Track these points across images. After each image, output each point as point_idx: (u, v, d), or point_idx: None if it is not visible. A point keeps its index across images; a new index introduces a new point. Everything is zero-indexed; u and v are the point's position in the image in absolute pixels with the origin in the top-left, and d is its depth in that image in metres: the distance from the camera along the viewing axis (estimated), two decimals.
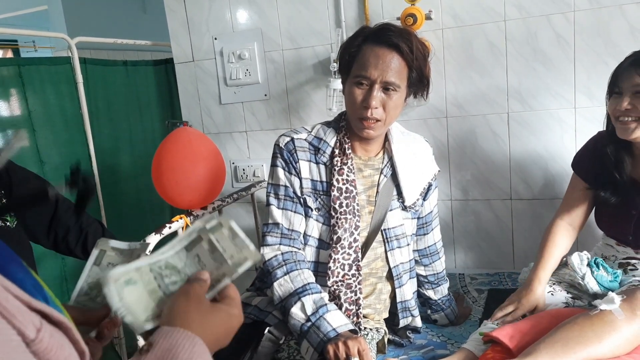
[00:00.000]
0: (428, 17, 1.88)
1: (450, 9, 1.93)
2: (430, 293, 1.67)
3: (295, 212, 1.44)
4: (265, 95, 2.27)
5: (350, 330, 1.28)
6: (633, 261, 1.43)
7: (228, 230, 0.68)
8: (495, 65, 1.93)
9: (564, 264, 1.53)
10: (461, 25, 1.93)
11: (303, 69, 2.18)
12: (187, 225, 1.80)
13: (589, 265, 1.45)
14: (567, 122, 1.88)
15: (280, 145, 1.46)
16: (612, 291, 1.31)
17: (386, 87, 1.34)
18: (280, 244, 1.41)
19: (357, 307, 1.42)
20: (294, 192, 1.44)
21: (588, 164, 1.54)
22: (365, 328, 1.47)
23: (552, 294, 1.49)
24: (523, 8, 1.85)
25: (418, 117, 2.06)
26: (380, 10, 2.00)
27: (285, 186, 1.44)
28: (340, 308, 1.37)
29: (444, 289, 1.68)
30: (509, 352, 1.28)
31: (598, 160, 1.50)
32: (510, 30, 1.88)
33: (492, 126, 1.98)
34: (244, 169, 2.38)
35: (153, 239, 1.61)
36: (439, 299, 1.67)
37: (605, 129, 1.49)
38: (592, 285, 1.42)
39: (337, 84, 1.94)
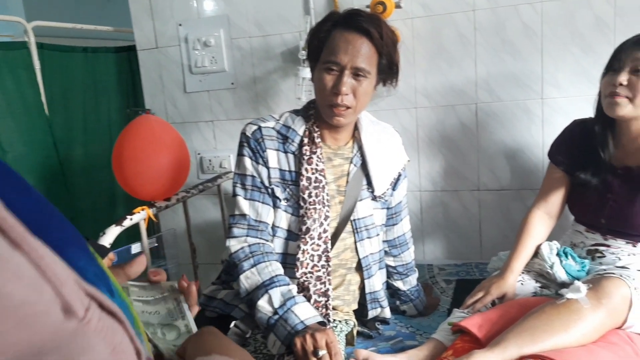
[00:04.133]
0: (397, 6, 1.85)
1: None
2: (399, 284, 1.66)
3: (263, 202, 1.40)
4: (232, 83, 2.21)
5: (319, 323, 1.25)
6: (601, 248, 1.45)
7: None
8: (464, 56, 1.92)
9: (534, 253, 1.54)
10: (431, 15, 1.92)
11: (271, 57, 2.13)
12: (149, 218, 1.73)
13: (558, 254, 1.46)
14: (535, 113, 1.89)
15: (247, 133, 1.41)
16: (579, 280, 1.32)
17: (356, 73, 1.31)
18: (247, 236, 1.37)
19: (326, 299, 1.39)
20: (262, 182, 1.40)
21: (565, 151, 1.54)
22: (334, 320, 1.45)
23: (522, 284, 1.50)
24: None
25: (388, 108, 2.04)
26: None
27: (253, 176, 1.40)
28: (309, 300, 1.34)
29: (412, 279, 1.67)
30: (478, 341, 1.28)
31: (576, 147, 1.51)
32: (479, 20, 1.87)
33: (460, 117, 1.98)
34: (210, 160, 2.32)
35: (114, 231, 1.55)
36: (407, 290, 1.66)
37: (595, 108, 1.50)
38: (561, 275, 1.43)
39: (307, 72, 1.90)
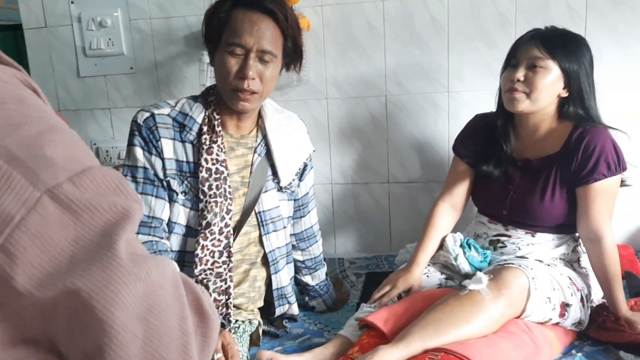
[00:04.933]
0: None
1: None
2: (307, 279, 1.61)
3: (156, 196, 1.28)
4: (131, 68, 2.05)
5: None
6: (503, 238, 1.48)
7: None
8: (373, 47, 1.90)
9: (440, 245, 1.55)
10: (340, 3, 1.87)
11: (174, 40, 2.00)
12: None
13: (461, 246, 1.47)
14: (441, 106, 1.91)
15: (138, 121, 1.29)
16: (482, 271, 1.33)
17: (262, 57, 1.24)
18: (138, 234, 1.25)
19: (227, 297, 1.30)
20: (155, 175, 1.28)
21: (469, 144, 1.56)
22: (236, 321, 1.36)
23: (427, 276, 1.50)
24: None
25: (298, 98, 1.97)
26: None
27: (145, 168, 1.28)
28: None
29: (321, 273, 1.63)
30: (384, 336, 1.26)
31: (479, 140, 1.54)
32: (388, 10, 1.86)
33: (370, 109, 1.96)
34: (107, 151, 2.14)
35: None
36: (316, 285, 1.61)
37: (496, 103, 1.52)
38: (464, 266, 1.44)
39: None
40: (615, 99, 1.75)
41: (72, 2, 2.03)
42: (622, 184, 1.41)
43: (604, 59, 1.73)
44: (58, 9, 2.04)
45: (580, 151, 1.34)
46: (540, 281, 1.28)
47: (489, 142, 1.51)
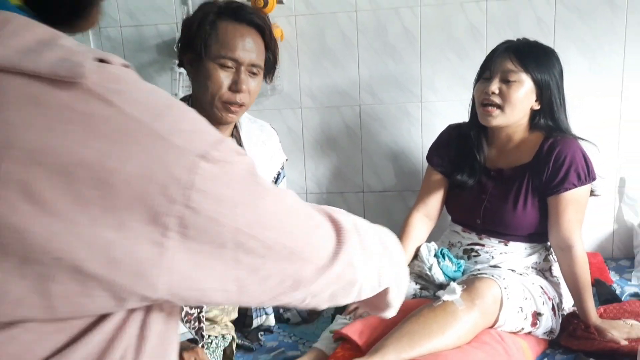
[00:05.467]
0: (280, 1, 1.79)
1: None
2: None
3: None
4: None
5: (190, 340, 1.15)
6: (476, 247, 1.49)
7: None
8: (347, 57, 1.90)
9: (414, 255, 1.55)
10: (314, 13, 1.87)
11: (145, 49, 1.97)
12: None
13: (435, 255, 1.48)
14: (414, 115, 1.92)
15: None
16: (455, 281, 1.33)
17: (252, 70, 1.26)
18: None
19: (199, 310, 1.28)
20: None
21: (442, 154, 1.57)
22: (209, 336, 1.34)
23: None
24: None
25: (272, 107, 1.96)
26: None
27: None
28: (180, 312, 1.23)
29: None
30: (359, 348, 1.25)
31: (452, 149, 1.55)
32: (361, 21, 1.87)
33: (345, 118, 1.96)
34: None
35: None
36: None
37: (469, 113, 1.54)
38: (438, 276, 1.45)
39: None
40: (584, 108, 1.79)
41: None
42: (592, 193, 1.43)
43: (571, 69, 1.76)
44: None
45: (552, 161, 1.36)
46: (513, 291, 1.29)
47: (462, 151, 1.52)
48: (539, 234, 1.44)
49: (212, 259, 0.44)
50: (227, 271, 0.45)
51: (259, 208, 0.46)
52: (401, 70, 1.89)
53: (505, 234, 1.46)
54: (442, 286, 1.43)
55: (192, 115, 0.47)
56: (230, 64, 1.23)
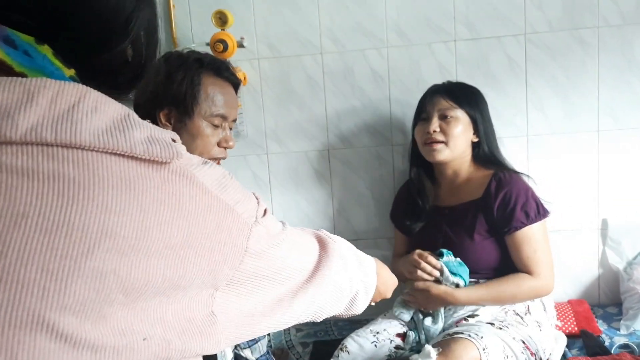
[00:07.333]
0: (240, 45, 1.72)
1: (265, 38, 1.80)
2: (246, 352, 1.45)
3: None
4: None
5: None
6: None
7: None
8: (314, 100, 1.83)
9: None
10: (278, 56, 1.81)
11: None
12: None
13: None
14: (386, 159, 1.84)
15: None
16: (458, 286, 1.37)
17: (231, 125, 1.28)
18: None
19: None
20: None
21: (399, 213, 1.64)
22: None
23: (375, 345, 1.42)
24: (339, 41, 1.78)
25: (237, 154, 1.87)
26: (189, 34, 1.80)
27: None
28: None
29: (262, 346, 1.47)
30: None
31: (406, 204, 1.60)
32: (327, 63, 1.80)
33: (313, 163, 1.87)
34: None
35: None
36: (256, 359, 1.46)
37: (409, 156, 1.61)
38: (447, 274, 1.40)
39: None
40: (556, 145, 1.73)
41: None
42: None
43: (544, 108, 1.71)
44: None
45: (499, 200, 1.39)
46: (492, 351, 1.18)
47: (413, 200, 1.56)
48: (508, 270, 1.40)
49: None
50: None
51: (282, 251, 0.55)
52: (370, 112, 1.81)
53: (473, 272, 1.42)
54: (419, 345, 1.32)
55: (235, 180, 0.50)
56: (218, 121, 1.22)
